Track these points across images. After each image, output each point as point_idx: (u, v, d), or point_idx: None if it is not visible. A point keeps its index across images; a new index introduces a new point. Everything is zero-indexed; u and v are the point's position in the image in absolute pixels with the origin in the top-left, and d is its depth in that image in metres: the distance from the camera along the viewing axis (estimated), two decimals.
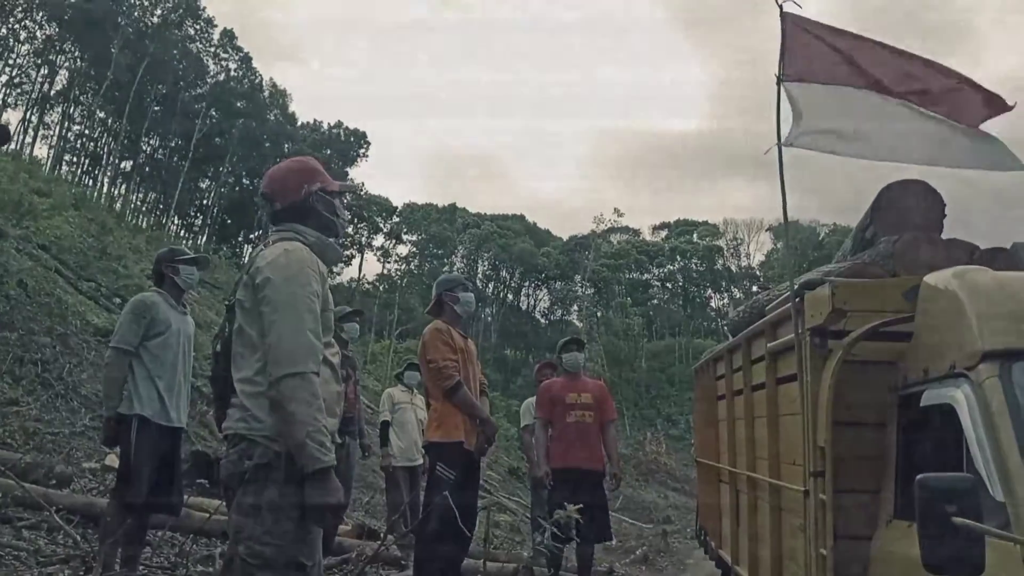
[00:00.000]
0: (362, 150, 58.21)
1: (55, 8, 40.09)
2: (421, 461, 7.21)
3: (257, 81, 52.39)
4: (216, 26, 49.02)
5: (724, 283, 72.53)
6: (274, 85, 54.96)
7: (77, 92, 44.11)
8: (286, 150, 47.02)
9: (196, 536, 5.32)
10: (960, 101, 3.69)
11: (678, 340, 63.45)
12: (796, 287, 3.52)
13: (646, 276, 72.70)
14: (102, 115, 45.45)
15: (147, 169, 47.88)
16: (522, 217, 75.04)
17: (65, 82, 44.04)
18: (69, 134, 45.73)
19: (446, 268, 61.95)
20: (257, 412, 2.31)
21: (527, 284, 71.30)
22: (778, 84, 3.61)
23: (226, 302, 2.64)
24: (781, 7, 3.66)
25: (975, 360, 2.47)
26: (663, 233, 77.51)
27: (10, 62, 41.07)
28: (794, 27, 3.66)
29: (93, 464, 7.52)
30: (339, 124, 58.16)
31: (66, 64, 44.01)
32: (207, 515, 5.19)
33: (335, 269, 50.03)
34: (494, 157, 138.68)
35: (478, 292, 54.10)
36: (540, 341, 62.20)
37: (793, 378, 3.61)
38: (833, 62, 3.66)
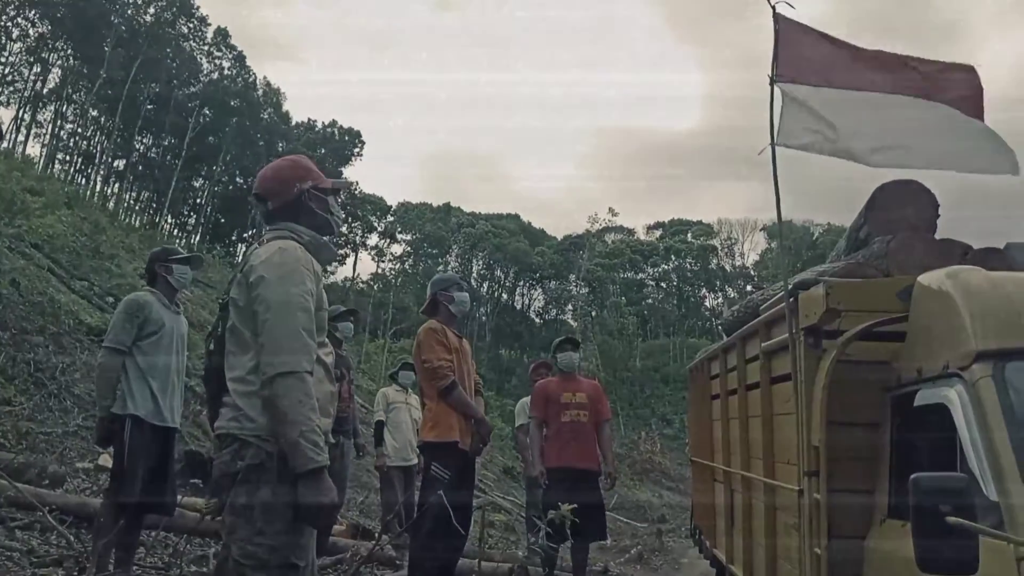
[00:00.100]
0: (356, 149, 58.16)
1: (48, 6, 39.95)
2: (416, 461, 7.20)
3: (251, 80, 52.32)
4: (209, 25, 48.99)
5: (718, 283, 72.67)
6: (268, 84, 54.94)
7: (70, 90, 43.97)
8: (280, 149, 46.92)
9: (190, 536, 5.30)
10: (955, 92, 3.70)
11: (672, 340, 63.56)
12: (790, 287, 3.52)
13: (640, 276, 72.77)
14: (95, 113, 45.33)
15: (140, 168, 47.73)
16: (517, 216, 75.09)
17: (58, 80, 43.92)
18: (62, 132, 45.63)
19: (441, 267, 61.89)
20: (250, 411, 2.30)
21: (522, 283, 71.29)
22: (771, 85, 3.62)
23: (220, 300, 2.63)
24: (774, 8, 3.67)
25: (969, 360, 2.48)
26: (657, 233, 77.65)
27: (2, 60, 40.95)
28: (787, 28, 3.67)
29: (86, 464, 7.50)
30: (333, 123, 58.14)
31: (59, 62, 43.87)
32: (201, 515, 5.18)
33: (329, 268, 49.95)
34: (489, 156, 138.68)
35: (473, 292, 53.95)
36: (535, 341, 62.23)
37: (787, 377, 3.62)
38: (826, 64, 3.67)
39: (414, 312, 46.84)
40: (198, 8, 48.00)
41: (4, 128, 35.05)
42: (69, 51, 43.06)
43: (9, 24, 40.18)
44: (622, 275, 68.95)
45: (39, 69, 43.22)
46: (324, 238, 2.64)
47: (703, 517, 6.62)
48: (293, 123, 56.88)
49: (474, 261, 68.12)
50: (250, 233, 49.75)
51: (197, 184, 52.20)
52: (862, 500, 3.03)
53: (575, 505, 4.79)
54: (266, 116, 53.25)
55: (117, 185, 47.60)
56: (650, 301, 71.93)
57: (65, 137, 46.09)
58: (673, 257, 72.94)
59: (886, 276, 3.58)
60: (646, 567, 9.98)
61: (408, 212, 68.01)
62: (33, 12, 40.75)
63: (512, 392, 39.98)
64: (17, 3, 39.50)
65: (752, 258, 73.24)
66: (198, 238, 49.69)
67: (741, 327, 4.94)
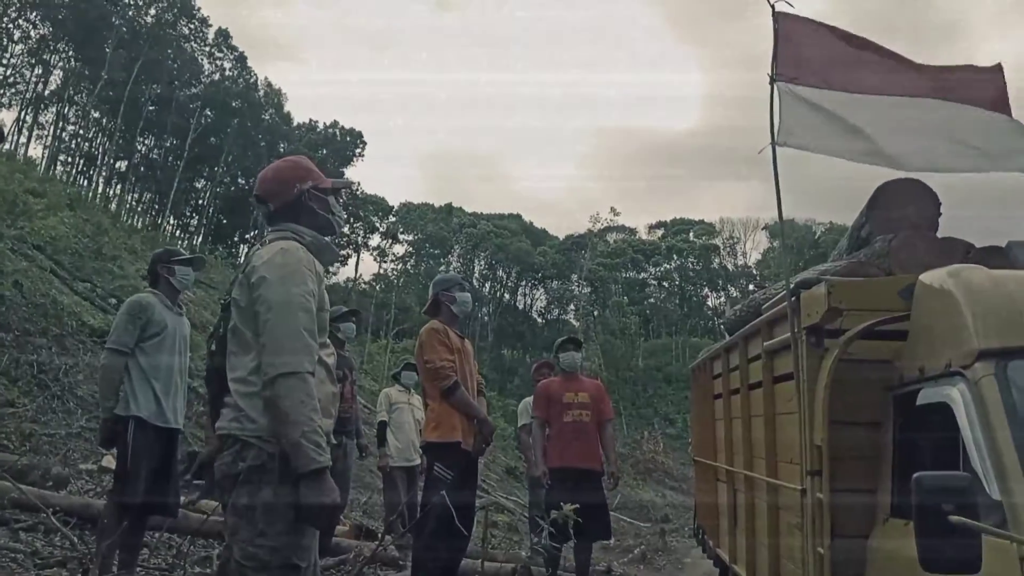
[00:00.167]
0: (358, 150, 58.16)
1: (49, 8, 39.98)
2: (419, 461, 7.21)
3: (252, 81, 52.31)
4: (211, 26, 48.98)
5: (720, 282, 72.60)
6: (269, 85, 54.92)
7: (71, 92, 43.97)
8: (282, 150, 46.93)
9: (194, 537, 5.31)
10: (958, 87, 3.70)
11: (675, 339, 63.53)
12: (792, 286, 3.52)
13: (643, 275, 72.77)
14: (97, 115, 45.33)
15: (142, 169, 47.75)
16: (519, 216, 75.13)
17: (59, 82, 43.92)
18: (64, 134, 45.65)
19: (443, 268, 61.90)
20: (251, 412, 2.30)
21: (524, 283, 71.26)
22: (771, 84, 3.62)
23: (222, 300, 2.63)
24: (773, 7, 3.67)
25: (971, 359, 2.48)
26: (659, 232, 77.64)
27: (4, 62, 40.96)
28: (786, 27, 3.67)
29: (90, 465, 7.51)
30: (335, 124, 58.12)
31: (60, 64, 43.86)
32: (204, 516, 5.19)
33: (331, 269, 49.98)
34: (491, 156, 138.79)
35: (475, 292, 54.14)
36: (537, 340, 62.22)
37: (789, 377, 3.62)
38: (826, 65, 3.67)
39: (416, 312, 46.84)
40: (199, 9, 48.09)
41: (6, 130, 35.09)
42: (70, 53, 43.07)
43: (10, 26, 40.21)
44: (624, 275, 68.97)
45: (40, 71, 43.25)
46: (326, 238, 2.65)
47: (706, 517, 6.62)
48: (295, 124, 56.91)
49: (476, 261, 68.12)
50: (252, 234, 49.77)
51: (199, 185, 52.23)
52: (865, 499, 3.03)
53: (577, 505, 4.80)
54: (267, 117, 53.25)
55: (119, 186, 47.65)
56: (652, 300, 71.92)
57: (67, 139, 46.15)
58: (675, 256, 72.91)
59: (888, 275, 3.58)
60: (649, 567, 9.98)
61: (410, 212, 68.02)
62: (34, 14, 40.78)
63: (514, 392, 39.97)
64: (18, 5, 39.53)
65: (754, 257, 73.30)
66: (200, 239, 49.71)
67: (743, 326, 4.94)
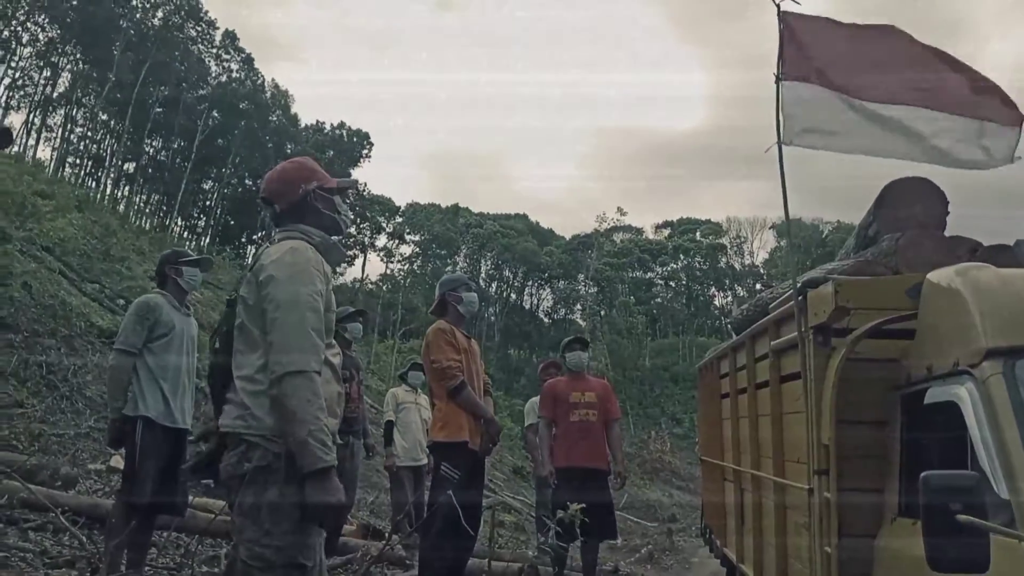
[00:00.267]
0: (365, 151, 58.22)
1: (57, 11, 40.16)
2: (425, 461, 7.21)
3: (259, 82, 52.43)
4: (218, 28, 49.12)
5: (727, 281, 72.50)
6: (276, 86, 55.04)
7: (79, 94, 44.18)
8: (289, 151, 47.02)
9: (202, 537, 5.33)
10: (962, 92, 3.70)
11: (682, 339, 63.46)
12: (799, 285, 3.52)
13: (649, 275, 72.66)
14: (104, 117, 45.50)
15: (150, 171, 47.91)
16: (525, 216, 75.15)
17: (67, 84, 44.13)
18: (72, 136, 45.84)
19: (449, 268, 61.96)
20: (257, 411, 2.31)
21: (530, 283, 71.28)
22: (777, 83, 3.62)
23: (227, 297, 2.64)
24: (779, 6, 3.67)
25: (979, 357, 2.47)
26: (666, 232, 77.51)
27: (12, 65, 41.17)
28: (791, 27, 3.67)
29: (98, 465, 7.55)
30: (342, 124, 58.20)
31: (68, 66, 44.08)
32: (212, 516, 5.20)
33: (338, 269, 50.04)
34: (496, 157, 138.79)
35: (481, 292, 54.11)
36: (543, 340, 62.22)
37: (797, 376, 3.61)
38: (830, 65, 3.67)
39: (423, 313, 46.81)
40: (206, 12, 48.24)
41: (15, 132, 35.28)
42: (78, 55, 43.28)
43: (19, 29, 40.41)
44: (631, 274, 68.88)
45: (49, 73, 43.50)
46: (333, 239, 2.66)
47: (713, 516, 6.61)
48: (302, 125, 57.02)
49: (483, 261, 68.15)
50: (260, 235, 49.89)
51: (207, 186, 52.41)
52: (872, 499, 3.02)
53: (584, 505, 4.79)
54: (275, 118, 53.38)
55: (127, 188, 47.87)
56: (659, 300, 71.77)
57: (75, 141, 46.35)
58: (682, 256, 72.79)
59: (895, 274, 3.57)
60: (656, 566, 9.97)
61: (416, 213, 68.08)
62: (43, 17, 40.98)
63: (521, 392, 40.01)
64: (27, 8, 39.71)
65: (761, 256, 73.16)
66: (208, 240, 49.86)
67: (750, 326, 4.93)
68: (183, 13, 46.77)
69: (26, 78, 42.71)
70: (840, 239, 36.83)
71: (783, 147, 3.62)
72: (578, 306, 68.72)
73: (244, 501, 2.29)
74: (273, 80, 55.29)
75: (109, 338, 10.33)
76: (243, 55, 50.75)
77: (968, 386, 2.48)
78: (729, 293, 70.56)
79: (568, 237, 72.45)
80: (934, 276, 2.96)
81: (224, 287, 23.78)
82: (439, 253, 67.78)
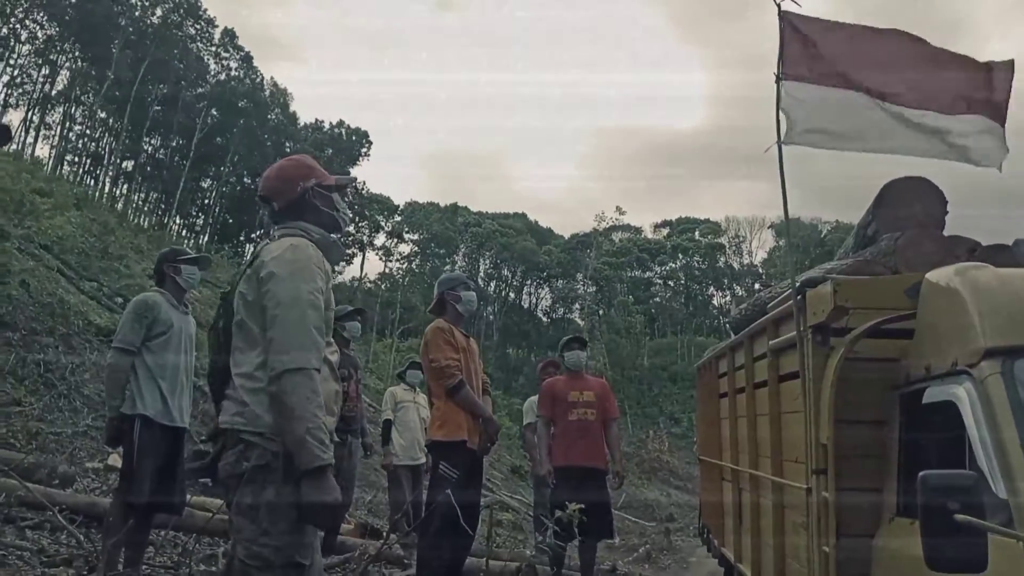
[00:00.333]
0: (364, 149, 58.18)
1: (56, 8, 40.10)
2: (424, 460, 7.22)
3: (258, 80, 52.38)
4: (217, 26, 49.06)
5: (726, 281, 72.53)
6: (275, 84, 54.99)
7: (78, 92, 44.11)
8: (287, 149, 46.98)
9: (199, 535, 5.32)
10: (960, 88, 3.72)
11: (680, 338, 63.48)
12: (798, 284, 3.52)
13: (648, 274, 72.70)
14: (103, 115, 45.45)
15: (148, 169, 47.88)
16: (524, 215, 75.24)
17: (66, 82, 44.06)
18: (70, 134, 45.78)
19: (448, 267, 61.96)
20: (256, 408, 2.31)
21: (529, 282, 71.32)
22: (777, 83, 3.62)
23: (222, 292, 2.63)
24: (779, 6, 3.67)
25: (977, 357, 2.47)
26: (665, 231, 77.57)
27: (11, 62, 41.10)
28: (792, 27, 3.68)
29: (96, 464, 7.54)
30: (341, 123, 58.14)
31: (67, 64, 44.01)
32: (210, 514, 5.20)
33: (337, 268, 50.03)
34: (495, 156, 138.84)
35: (480, 291, 54.10)
36: (542, 340, 62.26)
37: (795, 375, 3.61)
38: (829, 65, 3.67)
39: (421, 311, 46.81)
40: (205, 11, 48.18)
41: (13, 130, 35.20)
42: (77, 53, 43.23)
43: (18, 26, 40.36)
44: (629, 274, 68.91)
45: (47, 71, 43.45)
46: (332, 236, 2.66)
47: (711, 516, 6.61)
48: (300, 124, 56.99)
49: (481, 260, 68.17)
50: (258, 233, 49.87)
51: (205, 185, 52.34)
52: (870, 498, 3.02)
53: (583, 505, 4.79)
54: (273, 117, 53.35)
55: (126, 186, 47.83)
56: (658, 299, 71.82)
57: (73, 138, 46.29)
58: (681, 255, 72.82)
59: (894, 273, 3.57)
60: (654, 566, 9.97)
61: (415, 212, 68.07)
62: (41, 14, 40.93)
63: (519, 391, 40.04)
64: (25, 5, 39.66)
65: (760, 256, 73.23)
66: (206, 238, 49.83)
67: (749, 325, 4.93)
68: (182, 11, 46.72)
69: (25, 76, 42.69)
70: (839, 238, 36.87)
71: (783, 147, 3.62)
72: (576, 305, 68.74)
73: (242, 500, 2.28)
74: (272, 78, 55.44)
75: (107, 336, 10.32)
76: (242, 53, 50.74)
77: (966, 386, 2.48)
78: (728, 292, 70.62)
79: (567, 236, 72.56)
80: (933, 276, 2.97)
81: (222, 286, 23.73)
82: (438, 252, 67.77)
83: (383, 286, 63.72)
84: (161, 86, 45.10)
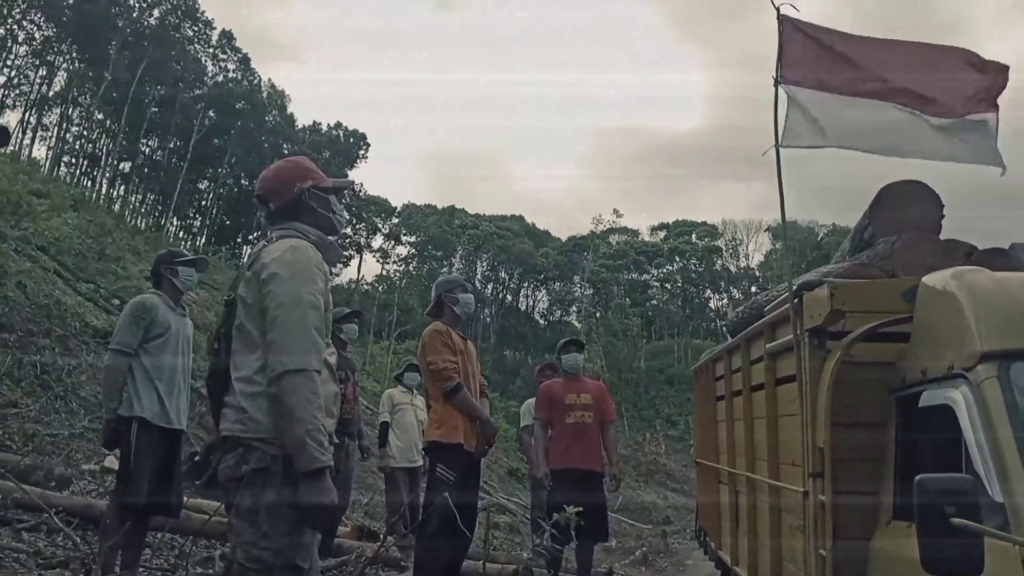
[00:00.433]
0: (362, 151, 58.18)
1: (53, 9, 40.06)
2: (421, 462, 7.21)
3: (256, 82, 52.36)
4: (215, 28, 49.05)
5: (723, 284, 72.59)
6: (272, 86, 54.97)
7: (75, 93, 44.04)
8: (285, 151, 46.94)
9: (196, 538, 5.32)
10: (958, 91, 3.73)
11: (677, 341, 63.51)
12: (795, 288, 3.53)
13: (645, 277, 72.73)
14: (100, 116, 45.41)
15: (146, 170, 47.79)
16: (521, 218, 75.22)
17: (63, 83, 44.00)
18: (67, 135, 45.69)
19: (445, 269, 61.95)
20: (255, 413, 2.30)
21: (526, 285, 71.29)
22: (775, 87, 3.63)
23: (225, 297, 2.64)
24: (778, 10, 3.68)
25: (973, 361, 2.48)
26: (662, 234, 77.62)
27: (8, 63, 41.05)
28: (791, 30, 3.69)
29: (92, 466, 7.52)
30: (339, 125, 58.15)
31: (64, 65, 43.95)
32: (207, 517, 5.19)
33: (334, 270, 49.95)
34: (492, 157, 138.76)
35: (477, 293, 54.08)
36: (539, 342, 62.21)
37: (792, 379, 3.62)
38: (828, 69, 3.69)
39: (419, 314, 46.83)
40: (203, 13, 48.15)
41: (11, 131, 35.14)
42: (74, 54, 43.18)
43: (15, 27, 40.31)
44: (626, 276, 68.93)
45: (45, 72, 43.36)
46: (329, 238, 2.66)
47: (708, 519, 6.62)
48: (298, 126, 56.97)
49: (478, 263, 68.16)
50: (255, 235, 49.75)
51: (202, 186, 52.27)
52: (867, 501, 3.02)
53: (581, 508, 4.80)
54: (271, 119, 53.32)
55: (123, 187, 47.74)
56: (654, 302, 71.86)
57: (71, 139, 46.20)
58: (677, 258, 72.87)
59: (891, 277, 3.58)
60: (651, 568, 9.97)
61: (412, 214, 68.07)
62: (39, 15, 40.87)
63: (516, 393, 40.00)
64: (23, 6, 39.61)
65: (757, 259, 73.30)
66: (203, 240, 49.78)
67: (746, 328, 4.94)
68: (180, 12, 46.68)
69: (22, 77, 42.62)
70: (836, 242, 36.91)
71: (780, 150, 3.63)
72: (574, 308, 68.74)
73: (242, 503, 2.28)
74: (270, 80, 55.29)
75: (104, 338, 10.30)
76: (240, 55, 50.72)
77: (963, 389, 2.49)
78: (724, 296, 70.70)
79: (564, 239, 72.57)
80: (929, 279, 2.97)
81: (220, 287, 23.75)
82: (435, 254, 67.76)
83: (380, 288, 63.67)
84: (158, 87, 45.05)
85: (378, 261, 64.88)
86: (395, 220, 65.62)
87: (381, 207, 63.01)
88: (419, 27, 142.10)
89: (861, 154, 3.75)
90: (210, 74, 49.53)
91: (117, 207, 42.51)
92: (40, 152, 43.39)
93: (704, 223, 76.51)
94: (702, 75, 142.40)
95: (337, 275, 56.87)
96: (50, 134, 44.94)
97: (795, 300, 3.47)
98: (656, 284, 73.71)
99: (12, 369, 8.89)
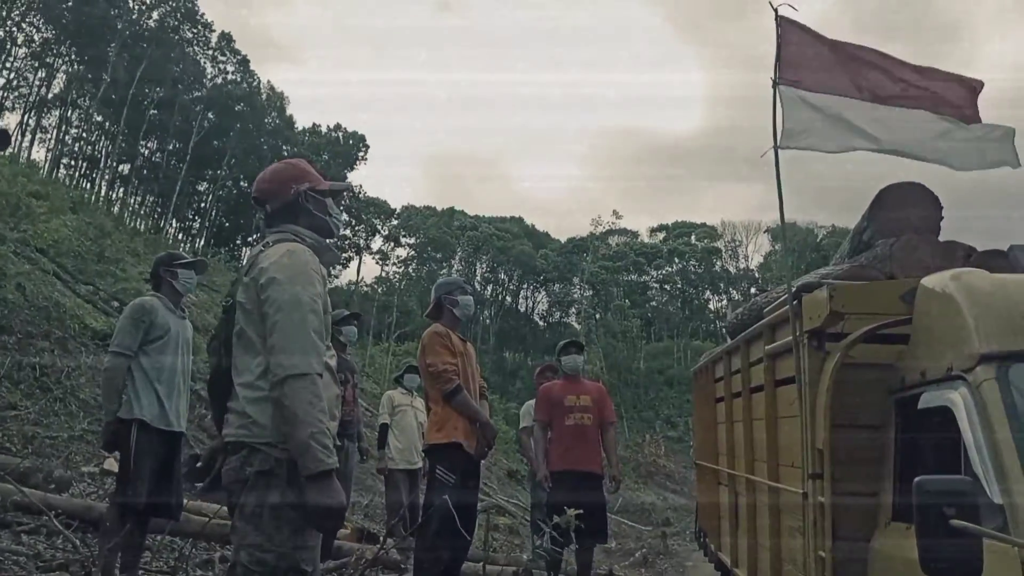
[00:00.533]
0: (361, 153, 58.16)
1: (52, 11, 40.06)
2: (420, 464, 7.21)
3: (255, 84, 52.35)
4: (214, 30, 49.05)
5: (722, 285, 72.58)
6: (272, 88, 54.97)
7: (74, 95, 44.04)
8: (284, 153, 46.95)
9: (196, 540, 5.31)
10: (952, 99, 3.76)
11: (676, 342, 63.48)
12: (794, 289, 3.53)
13: (644, 278, 72.69)
14: (99, 118, 45.37)
15: (145, 172, 47.77)
16: (520, 219, 75.20)
17: (63, 85, 43.99)
18: (67, 137, 45.68)
19: (444, 271, 61.97)
20: (258, 418, 2.31)
21: (525, 286, 71.28)
22: (774, 88, 3.64)
23: (223, 303, 2.64)
24: (776, 10, 3.69)
25: (972, 362, 2.48)
26: (661, 235, 77.63)
27: (7, 65, 41.03)
28: (789, 31, 3.70)
29: (92, 468, 7.52)
30: (338, 127, 58.14)
31: (63, 67, 43.94)
32: (206, 519, 5.19)
33: (333, 272, 49.97)
34: (492, 158, 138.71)
35: (477, 295, 54.12)
36: (539, 343, 62.20)
37: (791, 380, 3.62)
38: (827, 70, 3.70)
39: (418, 316, 46.88)
40: (203, 14, 48.15)
41: (11, 133, 35.13)
42: (73, 56, 43.17)
43: (14, 29, 40.29)
44: (626, 278, 68.90)
45: (44, 74, 43.35)
46: (326, 241, 2.66)
47: (707, 520, 6.62)
48: (298, 128, 56.97)
49: (478, 264, 68.15)
50: (254, 237, 49.73)
51: (202, 188, 52.26)
52: (866, 502, 3.03)
53: (581, 511, 4.80)
54: (270, 121, 53.32)
55: (122, 189, 47.68)
56: (654, 304, 71.83)
57: (70, 142, 46.16)
58: (677, 259, 72.84)
59: (890, 278, 3.59)
60: (651, 570, 9.97)
61: (412, 215, 68.04)
62: (38, 17, 40.87)
63: (516, 395, 40.00)
64: (22, 8, 39.60)
65: (756, 260, 73.27)
66: (203, 242, 49.77)
67: (745, 330, 4.94)
68: (179, 15, 46.69)
69: (21, 79, 42.60)
70: (835, 243, 36.92)
71: (779, 151, 3.64)
72: (573, 309, 68.76)
73: (246, 506, 2.29)
74: (269, 82, 55.38)
75: (103, 340, 10.31)
76: (239, 57, 50.70)
77: (962, 391, 2.49)
78: (724, 297, 70.66)
79: (563, 240, 72.52)
80: (928, 281, 2.98)
81: (219, 289, 23.74)
82: (434, 256, 67.73)
83: (380, 290, 63.69)
84: (158, 89, 44.98)
85: (377, 263, 64.96)
86: (394, 222, 65.61)
87: (380, 209, 63.01)
88: (419, 27, 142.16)
89: (861, 155, 3.78)
90: (209, 76, 49.50)
91: (116, 209, 42.50)
92: (39, 154, 43.41)
93: (703, 224, 76.56)
94: (702, 75, 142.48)
95: (336, 277, 56.95)
96: (49, 136, 44.96)
97: (794, 302, 3.47)
98: (655, 285, 73.68)
99: (11, 371, 8.90)
